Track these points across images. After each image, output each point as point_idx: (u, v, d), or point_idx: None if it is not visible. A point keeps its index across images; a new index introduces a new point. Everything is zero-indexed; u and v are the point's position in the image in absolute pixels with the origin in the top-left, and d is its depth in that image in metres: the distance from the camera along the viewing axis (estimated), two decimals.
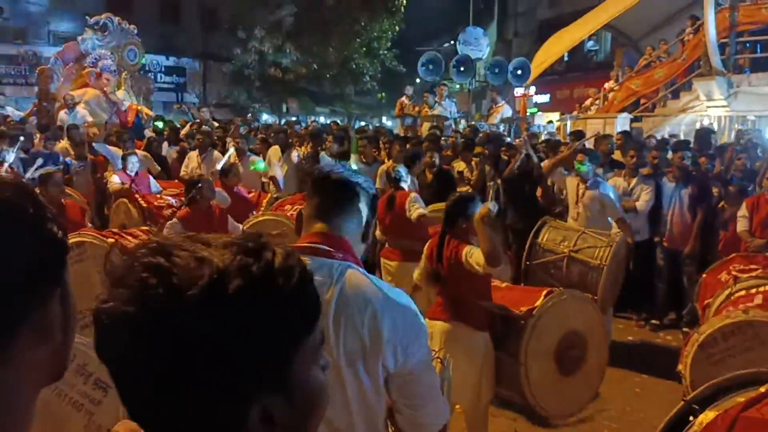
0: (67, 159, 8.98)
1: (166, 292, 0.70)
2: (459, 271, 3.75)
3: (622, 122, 13.00)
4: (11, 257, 0.69)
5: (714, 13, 12.82)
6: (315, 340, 0.79)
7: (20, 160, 8.42)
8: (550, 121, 15.05)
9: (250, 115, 21.12)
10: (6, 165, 8.41)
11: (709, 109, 13.39)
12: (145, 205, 6.82)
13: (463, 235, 3.84)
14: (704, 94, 13.34)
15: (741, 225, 5.87)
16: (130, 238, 5.00)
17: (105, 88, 13.22)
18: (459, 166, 8.44)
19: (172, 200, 6.86)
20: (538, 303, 4.11)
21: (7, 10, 25.76)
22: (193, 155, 9.07)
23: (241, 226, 5.35)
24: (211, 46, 32.75)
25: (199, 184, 4.81)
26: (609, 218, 6.21)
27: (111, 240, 4.78)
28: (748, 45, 13.73)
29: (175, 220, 4.65)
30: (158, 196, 7.34)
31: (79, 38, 14.14)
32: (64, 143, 10.16)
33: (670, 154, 7.48)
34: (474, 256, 3.65)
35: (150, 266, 0.72)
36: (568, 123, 13.91)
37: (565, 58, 24.20)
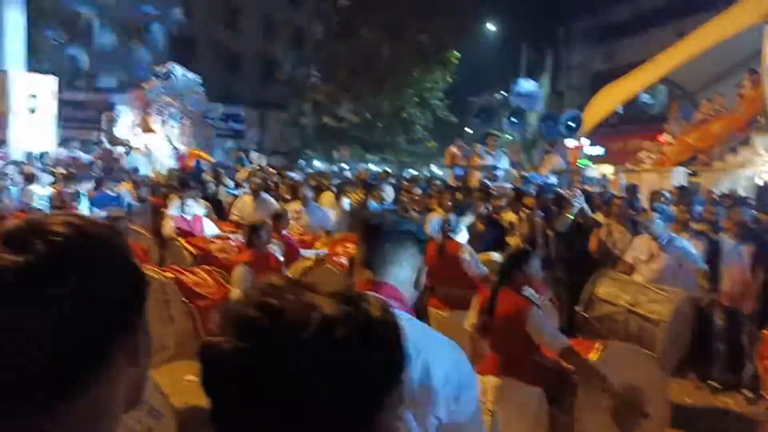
0: (129, 200, 9.34)
1: (279, 332, 0.75)
2: (512, 325, 3.69)
3: (678, 177, 12.78)
4: (114, 283, 0.77)
5: None
6: (400, 391, 0.82)
7: (89, 201, 8.85)
8: (604, 175, 14.89)
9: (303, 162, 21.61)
10: (77, 206, 8.86)
11: None
12: (194, 249, 7.01)
13: (518, 289, 3.81)
14: (764, 150, 13.02)
15: None
16: (188, 274, 5.18)
17: (168, 134, 13.80)
18: (509, 216, 8.41)
19: (231, 240, 7.08)
20: (592, 356, 4.02)
21: (77, 56, 27.33)
22: (248, 199, 9.27)
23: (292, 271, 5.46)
24: (268, 95, 33.90)
25: (260, 229, 4.99)
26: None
27: (170, 275, 4.96)
28: None
29: (243, 265, 4.79)
30: (209, 239, 7.53)
31: (146, 86, 14.88)
32: (127, 185, 10.63)
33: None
34: (542, 337, 3.66)
35: (263, 306, 0.78)
36: (623, 177, 13.73)
37: (619, 111, 23.99)
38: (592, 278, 5.72)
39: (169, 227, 7.65)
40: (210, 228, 7.90)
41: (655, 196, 7.91)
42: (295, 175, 12.07)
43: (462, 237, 5.98)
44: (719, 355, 6.61)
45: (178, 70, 15.12)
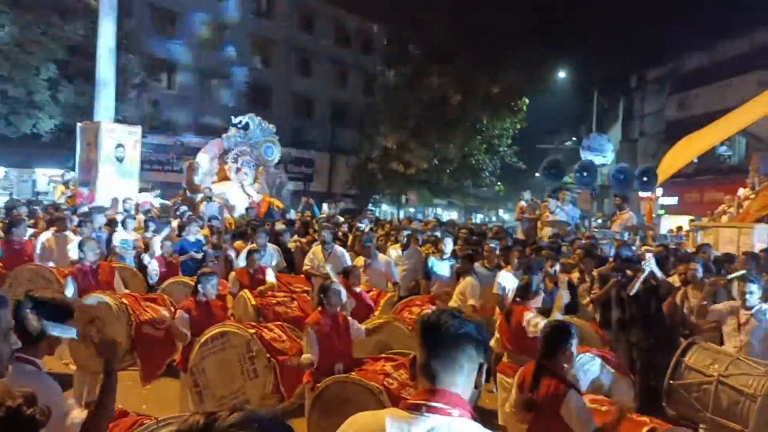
0: (205, 248, 9.67)
1: None
2: (550, 407, 3.65)
3: (759, 233, 12.24)
4: None
5: None
6: None
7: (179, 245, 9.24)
8: (680, 228, 14.43)
9: (370, 209, 21.87)
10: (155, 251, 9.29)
11: None
12: (256, 302, 7.16)
13: (558, 368, 3.76)
14: None
15: None
16: (266, 330, 5.34)
17: (243, 182, 14.32)
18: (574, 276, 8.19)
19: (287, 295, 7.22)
20: None
21: (159, 102, 28.83)
22: (318, 250, 9.38)
23: (362, 328, 5.50)
24: (338, 140, 34.74)
25: (328, 290, 5.03)
26: None
27: (252, 331, 5.13)
28: None
29: (310, 327, 4.89)
30: (272, 293, 7.63)
31: (224, 135, 15.55)
32: (203, 232, 11.04)
33: None
34: (573, 423, 3.59)
35: None
36: (699, 234, 13.28)
37: (695, 161, 23.36)
38: (683, 345, 5.50)
39: (233, 281, 7.80)
40: (270, 277, 7.96)
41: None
42: (364, 226, 12.22)
43: (537, 300, 5.72)
44: None
45: (255, 120, 15.76)
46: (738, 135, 19.17)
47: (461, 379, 1.85)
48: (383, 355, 5.23)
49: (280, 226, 12.12)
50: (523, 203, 12.33)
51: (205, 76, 33.08)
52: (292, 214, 13.83)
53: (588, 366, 5.30)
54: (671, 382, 5.38)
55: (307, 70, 37.63)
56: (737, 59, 26.46)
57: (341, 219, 12.63)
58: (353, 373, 4.73)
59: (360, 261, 8.47)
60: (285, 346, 5.25)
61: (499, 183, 32.87)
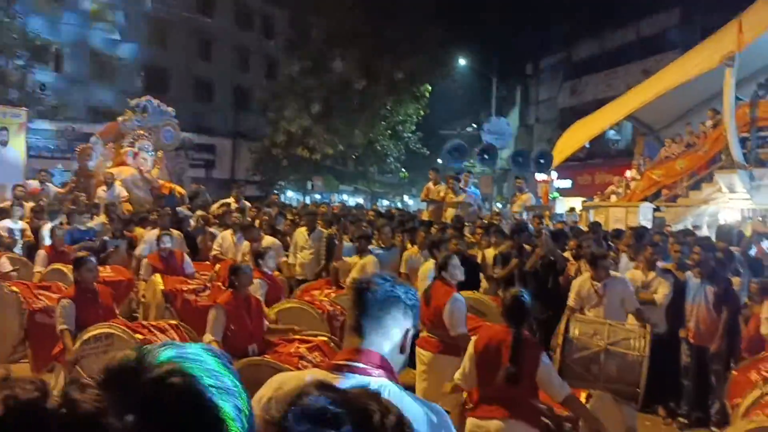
0: (105, 237, 9.25)
1: None
2: (533, 375, 3.82)
3: (644, 212, 13.12)
4: None
5: (734, 108, 13.15)
6: None
7: (69, 234, 8.75)
8: (572, 209, 15.23)
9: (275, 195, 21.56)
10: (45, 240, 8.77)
11: (731, 201, 13.50)
12: (166, 288, 6.97)
13: (530, 337, 3.96)
14: (726, 187, 13.49)
15: (765, 327, 5.82)
16: (159, 333, 5.14)
17: (141, 167, 13.74)
18: (490, 253, 8.50)
19: (201, 284, 7.08)
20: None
21: (47, 85, 27.10)
22: (227, 234, 9.24)
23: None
24: (241, 125, 33.97)
25: (239, 271, 4.94)
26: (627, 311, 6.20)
27: (140, 336, 4.94)
28: None
29: (218, 306, 4.78)
30: (184, 279, 7.47)
31: (119, 119, 14.82)
32: (100, 219, 10.54)
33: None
34: (550, 385, 3.81)
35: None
36: (591, 213, 14.06)
37: (587, 145, 24.65)
38: (563, 322, 5.80)
39: (145, 267, 7.56)
40: (189, 267, 7.82)
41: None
42: (271, 210, 12.07)
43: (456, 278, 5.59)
44: (687, 392, 6.79)
45: (153, 103, 15.12)
46: (625, 120, 20.36)
47: (386, 342, 1.88)
48: (297, 337, 5.21)
49: (185, 211, 11.79)
50: (430, 184, 12.58)
51: (98, 58, 31.37)
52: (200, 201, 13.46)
53: None
54: (564, 360, 5.68)
55: (206, 54, 36.49)
56: (624, 48, 28.06)
57: (248, 204, 12.38)
58: (267, 356, 4.69)
59: (267, 242, 8.38)
60: None
61: (403, 169, 33.29)
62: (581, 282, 6.52)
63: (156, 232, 8.51)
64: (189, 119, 27.72)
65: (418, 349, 5.57)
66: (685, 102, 16.80)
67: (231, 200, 12.85)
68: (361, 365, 1.81)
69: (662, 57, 23.08)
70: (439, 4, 28.99)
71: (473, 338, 4.15)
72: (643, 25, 26.97)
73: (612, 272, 6.42)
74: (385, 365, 1.85)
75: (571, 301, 6.50)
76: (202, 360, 0.88)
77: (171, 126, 15.23)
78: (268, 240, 8.54)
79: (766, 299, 6.01)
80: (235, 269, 5.04)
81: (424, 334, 5.66)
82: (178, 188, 14.28)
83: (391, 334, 1.89)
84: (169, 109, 15.47)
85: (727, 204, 13.63)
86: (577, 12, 29.62)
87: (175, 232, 9.11)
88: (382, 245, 8.80)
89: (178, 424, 0.80)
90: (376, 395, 0.94)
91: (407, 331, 1.93)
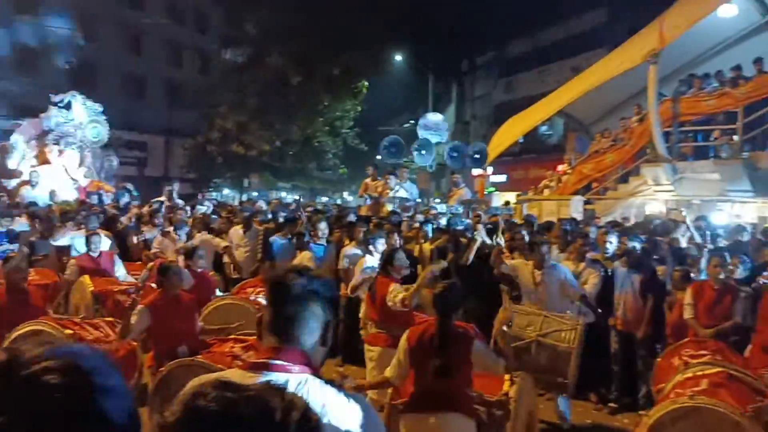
0: (32, 238, 8.85)
1: None
2: (462, 358, 3.82)
3: (575, 205, 13.50)
4: None
5: (658, 103, 13.68)
6: None
7: None
8: (507, 203, 15.53)
9: (210, 191, 21.11)
10: None
11: (657, 193, 14.05)
12: (96, 289, 6.75)
13: (458, 326, 3.93)
14: (652, 179, 14.04)
15: (687, 312, 6.10)
16: (90, 329, 4.96)
17: (67, 165, 13.21)
18: (426, 248, 8.56)
19: (132, 285, 6.85)
20: (508, 389, 4.27)
21: None
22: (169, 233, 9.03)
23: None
24: (174, 122, 33.11)
25: (168, 270, 4.80)
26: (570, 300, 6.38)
27: (69, 331, 4.76)
28: (690, 134, 14.59)
29: (142, 307, 4.63)
30: (115, 279, 7.27)
31: (42, 115, 14.20)
32: (22, 220, 10.07)
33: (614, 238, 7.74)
34: (486, 362, 3.88)
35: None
36: (525, 206, 14.37)
37: (521, 140, 25.21)
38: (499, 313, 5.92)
39: (72, 268, 7.27)
40: (120, 268, 7.58)
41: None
42: (204, 207, 11.83)
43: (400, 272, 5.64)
44: (616, 378, 7.03)
45: (79, 99, 14.54)
46: (556, 116, 20.89)
47: (307, 337, 1.83)
48: (232, 336, 5.12)
49: (113, 211, 11.41)
50: (368, 180, 12.59)
51: (20, 51, 29.93)
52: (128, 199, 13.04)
53: None
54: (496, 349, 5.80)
55: (137, 48, 35.35)
56: (555, 46, 28.78)
57: (181, 203, 12.09)
58: (199, 356, 4.58)
59: (197, 240, 8.22)
60: (111, 348, 4.93)
61: (342, 166, 33.16)
62: (524, 271, 6.71)
63: (83, 233, 8.22)
64: (119, 116, 26.77)
65: (366, 346, 5.56)
66: (613, 98, 17.36)
67: (164, 198, 12.52)
68: (279, 362, 1.76)
69: (591, 54, 23.79)
70: (375, 0, 29.01)
71: (406, 332, 4.10)
72: (573, 24, 27.72)
73: (552, 261, 6.60)
74: (305, 361, 1.80)
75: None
76: (87, 359, 0.83)
77: (98, 122, 14.70)
78: (200, 238, 8.38)
79: (689, 286, 6.28)
80: (164, 269, 4.90)
81: (372, 330, 5.66)
82: (107, 187, 13.81)
83: (310, 328, 1.85)
84: (97, 105, 14.93)
85: (653, 196, 14.17)
86: (510, 10, 30.17)
87: (104, 233, 8.83)
88: (317, 241, 8.75)
89: (56, 423, 0.75)
90: (280, 391, 0.91)
91: (327, 323, 1.89)
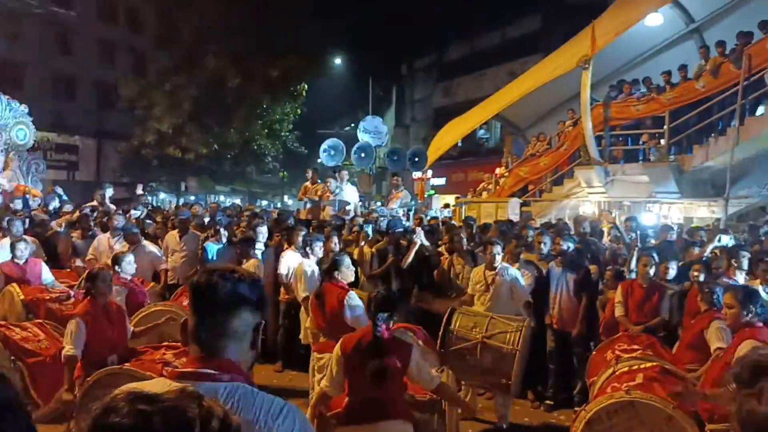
0: None
1: None
2: (402, 371, 3.76)
3: (512, 206, 13.77)
4: None
5: (590, 108, 14.12)
6: None
7: None
8: (447, 205, 15.72)
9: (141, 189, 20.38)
10: None
11: (590, 195, 14.49)
12: (26, 297, 6.47)
13: (396, 339, 3.90)
14: (585, 182, 14.46)
15: (618, 310, 6.31)
16: (16, 329, 4.75)
17: None
18: (367, 251, 8.54)
19: (64, 292, 6.59)
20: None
21: None
22: (104, 238, 8.69)
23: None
24: (107, 124, 32.04)
25: (97, 278, 4.61)
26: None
27: None
28: (621, 138, 15.11)
29: (77, 317, 4.44)
30: (45, 287, 6.98)
31: None
32: None
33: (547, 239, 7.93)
34: (421, 376, 3.85)
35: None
36: (464, 208, 14.57)
37: (459, 144, 25.57)
38: (446, 314, 5.95)
39: None
40: (48, 275, 7.25)
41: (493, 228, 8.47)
42: (137, 212, 11.49)
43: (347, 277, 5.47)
44: (552, 375, 7.18)
45: (3, 100, 13.89)
46: (493, 120, 21.28)
47: (234, 343, 1.77)
48: (164, 344, 4.98)
49: (41, 216, 10.92)
50: (307, 183, 12.50)
51: None
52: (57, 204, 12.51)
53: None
54: (442, 350, 5.83)
55: (66, 48, 33.98)
56: (492, 51, 29.34)
57: (113, 207, 11.70)
58: (128, 364, 4.43)
59: (125, 247, 7.96)
60: (40, 346, 4.72)
61: (282, 169, 32.84)
62: (476, 271, 6.84)
63: (7, 240, 7.83)
64: (48, 117, 25.79)
65: (315, 355, 5.42)
66: (548, 102, 17.83)
67: (95, 203, 12.10)
68: (207, 371, 1.70)
69: (527, 59, 24.38)
70: (315, 3, 28.89)
71: (340, 340, 3.98)
72: (509, 30, 28.31)
73: (504, 263, 6.68)
74: (234, 368, 1.74)
75: (470, 289, 6.82)
76: None
77: (24, 124, 14.07)
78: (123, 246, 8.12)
79: (620, 285, 6.49)
80: (92, 276, 4.71)
81: (321, 339, 5.52)
82: (34, 191, 13.23)
83: (238, 334, 1.78)
84: (22, 106, 14.29)
85: (586, 198, 14.61)
86: (448, 15, 30.60)
87: (31, 239, 8.44)
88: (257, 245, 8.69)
89: None
90: (197, 398, 0.88)
91: (257, 325, 1.82)
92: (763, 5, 12.74)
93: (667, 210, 13.12)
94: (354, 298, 5.17)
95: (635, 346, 5.62)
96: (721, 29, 14.09)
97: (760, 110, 12.48)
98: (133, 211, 11.49)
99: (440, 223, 10.71)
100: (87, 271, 5.19)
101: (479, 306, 6.58)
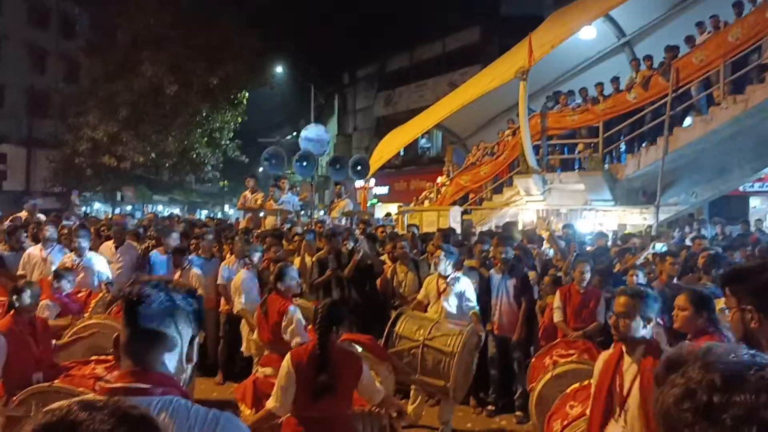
0: None
1: None
2: (351, 385, 3.70)
3: (454, 215, 13.92)
4: None
5: (528, 118, 14.44)
6: None
7: None
8: (389, 214, 15.76)
9: (76, 198, 19.64)
10: None
11: (528, 203, 14.80)
12: None
13: (345, 345, 3.89)
14: (523, 190, 14.77)
15: (556, 315, 6.45)
16: None
17: None
18: (308, 261, 8.47)
19: None
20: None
21: None
22: (35, 250, 8.28)
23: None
24: (37, 132, 30.81)
25: (22, 292, 4.38)
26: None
27: None
28: (557, 147, 15.51)
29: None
30: None
31: None
32: None
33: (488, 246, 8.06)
34: (371, 390, 3.81)
35: None
36: (406, 216, 14.64)
37: (401, 153, 25.73)
38: (393, 316, 6.00)
39: None
40: None
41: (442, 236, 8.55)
42: (69, 222, 11.05)
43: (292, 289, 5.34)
44: (493, 381, 7.27)
45: None
46: (435, 129, 21.50)
47: (168, 356, 1.72)
48: (93, 358, 4.78)
49: None
50: (247, 192, 12.31)
51: None
52: None
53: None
54: (387, 350, 5.87)
55: None
56: (432, 62, 29.69)
57: (43, 217, 11.23)
58: (57, 381, 4.23)
59: (68, 260, 7.65)
60: None
61: (223, 178, 32.27)
62: (430, 278, 6.83)
63: None
64: None
65: (259, 368, 5.27)
66: (487, 112, 18.16)
67: (24, 214, 11.59)
68: (140, 386, 1.64)
69: (466, 70, 24.78)
70: (255, 11, 28.63)
71: (288, 353, 3.85)
72: (449, 41, 28.71)
73: (456, 273, 6.69)
74: (168, 381, 1.69)
75: (420, 295, 6.82)
76: None
77: None
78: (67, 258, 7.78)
79: (558, 290, 6.63)
80: (16, 290, 4.47)
81: (266, 352, 5.36)
82: None
83: (172, 347, 1.73)
84: None
85: (525, 205, 14.92)
86: (390, 26, 30.83)
87: None
88: (203, 255, 8.58)
89: None
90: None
91: (192, 338, 1.78)
92: (689, 21, 13.34)
93: (602, 217, 13.52)
94: (294, 311, 5.07)
95: (572, 351, 5.76)
96: (650, 43, 14.69)
97: (688, 121, 13.02)
98: (65, 221, 11.04)
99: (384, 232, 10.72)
100: (12, 285, 4.94)
101: (431, 314, 6.57)
